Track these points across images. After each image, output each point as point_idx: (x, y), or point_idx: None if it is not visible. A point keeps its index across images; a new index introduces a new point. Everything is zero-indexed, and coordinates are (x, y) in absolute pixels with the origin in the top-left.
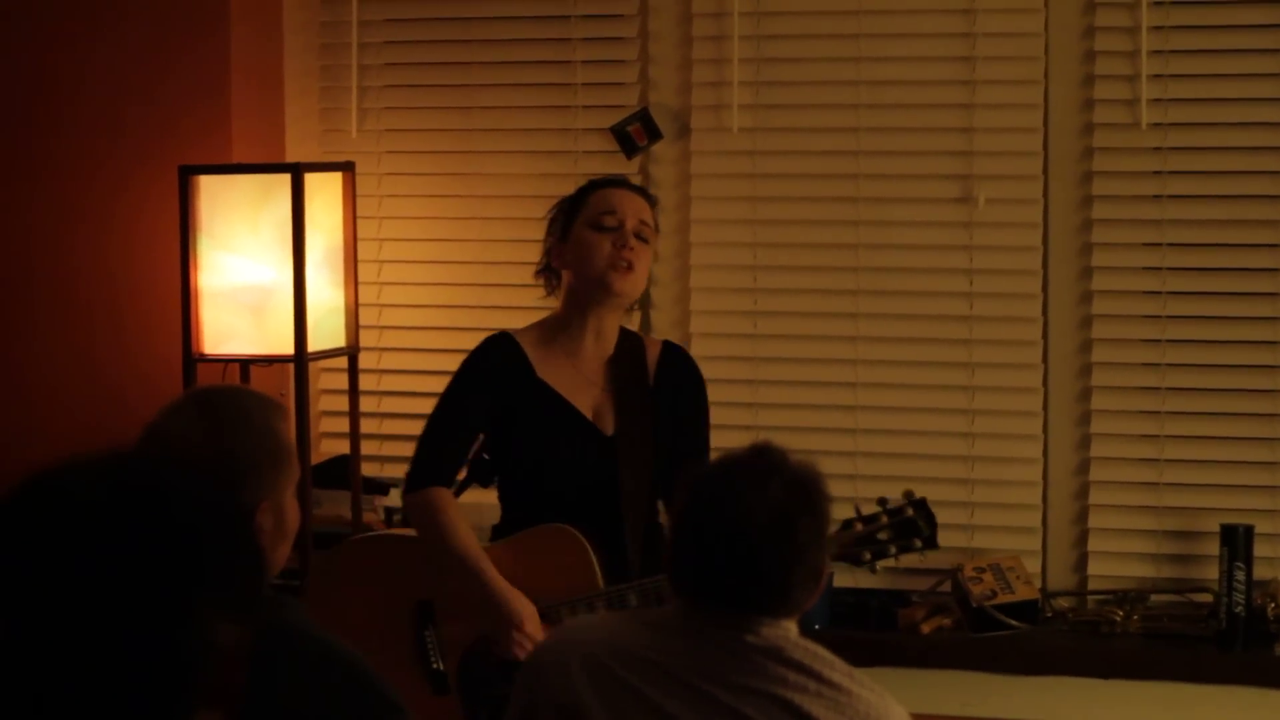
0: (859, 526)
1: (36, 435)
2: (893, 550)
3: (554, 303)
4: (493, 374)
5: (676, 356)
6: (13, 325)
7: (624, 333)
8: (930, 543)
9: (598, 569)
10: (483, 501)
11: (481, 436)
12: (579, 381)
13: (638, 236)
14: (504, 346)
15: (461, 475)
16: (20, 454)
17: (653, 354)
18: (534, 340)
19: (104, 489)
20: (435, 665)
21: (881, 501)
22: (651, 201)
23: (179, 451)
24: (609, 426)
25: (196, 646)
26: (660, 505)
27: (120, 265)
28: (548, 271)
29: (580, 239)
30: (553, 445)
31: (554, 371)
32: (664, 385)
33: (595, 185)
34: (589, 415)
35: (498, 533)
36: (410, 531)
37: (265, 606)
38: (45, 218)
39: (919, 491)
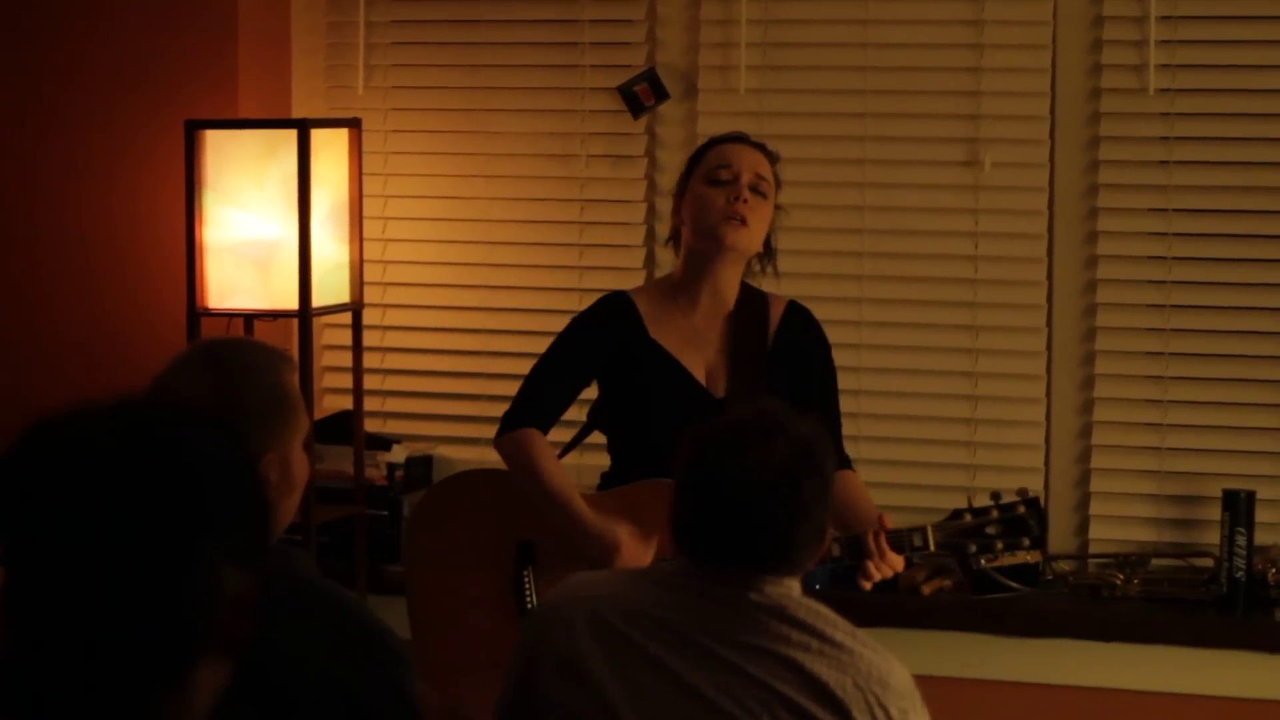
0: (968, 518)
1: (41, 387)
2: (999, 546)
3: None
4: (603, 329)
5: (801, 317)
6: (19, 278)
7: (746, 289)
8: (1038, 543)
9: None
10: (580, 464)
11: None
12: (694, 340)
13: (754, 190)
14: (618, 304)
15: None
16: (25, 406)
17: (776, 313)
18: (650, 299)
19: (110, 435)
20: (530, 604)
21: (994, 496)
22: (772, 158)
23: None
24: (720, 389)
25: (202, 593)
26: None
27: (126, 219)
28: (677, 237)
29: (695, 193)
30: (662, 406)
31: (668, 330)
32: (783, 347)
33: (713, 142)
34: (701, 377)
35: (606, 480)
36: None
37: (272, 555)
38: (52, 172)
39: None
